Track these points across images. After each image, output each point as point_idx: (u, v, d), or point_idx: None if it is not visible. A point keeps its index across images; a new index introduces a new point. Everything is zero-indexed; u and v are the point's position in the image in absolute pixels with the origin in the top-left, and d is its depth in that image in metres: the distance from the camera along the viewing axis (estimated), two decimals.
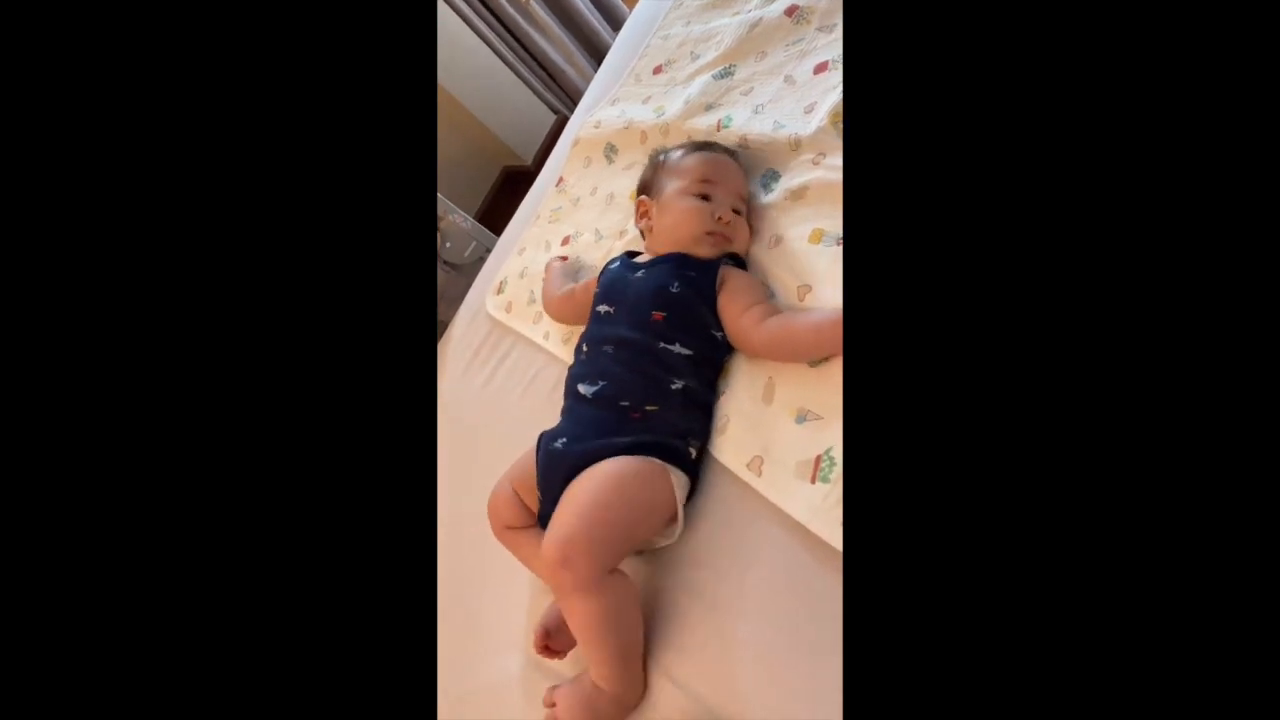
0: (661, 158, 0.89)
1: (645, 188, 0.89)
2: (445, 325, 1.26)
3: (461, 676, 0.85)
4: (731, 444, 0.72)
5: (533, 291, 1.09)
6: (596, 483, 0.66)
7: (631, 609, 0.65)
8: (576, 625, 0.64)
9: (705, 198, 0.81)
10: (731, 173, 0.84)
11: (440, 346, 1.24)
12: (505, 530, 0.81)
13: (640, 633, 0.66)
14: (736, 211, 0.81)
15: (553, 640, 0.72)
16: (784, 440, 0.68)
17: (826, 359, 0.68)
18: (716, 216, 0.79)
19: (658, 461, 0.68)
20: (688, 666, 0.65)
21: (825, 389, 0.67)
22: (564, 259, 1.06)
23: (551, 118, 2.29)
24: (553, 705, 0.66)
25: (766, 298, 0.76)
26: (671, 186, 0.83)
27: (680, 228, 0.80)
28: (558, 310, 0.98)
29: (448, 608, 0.89)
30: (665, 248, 0.82)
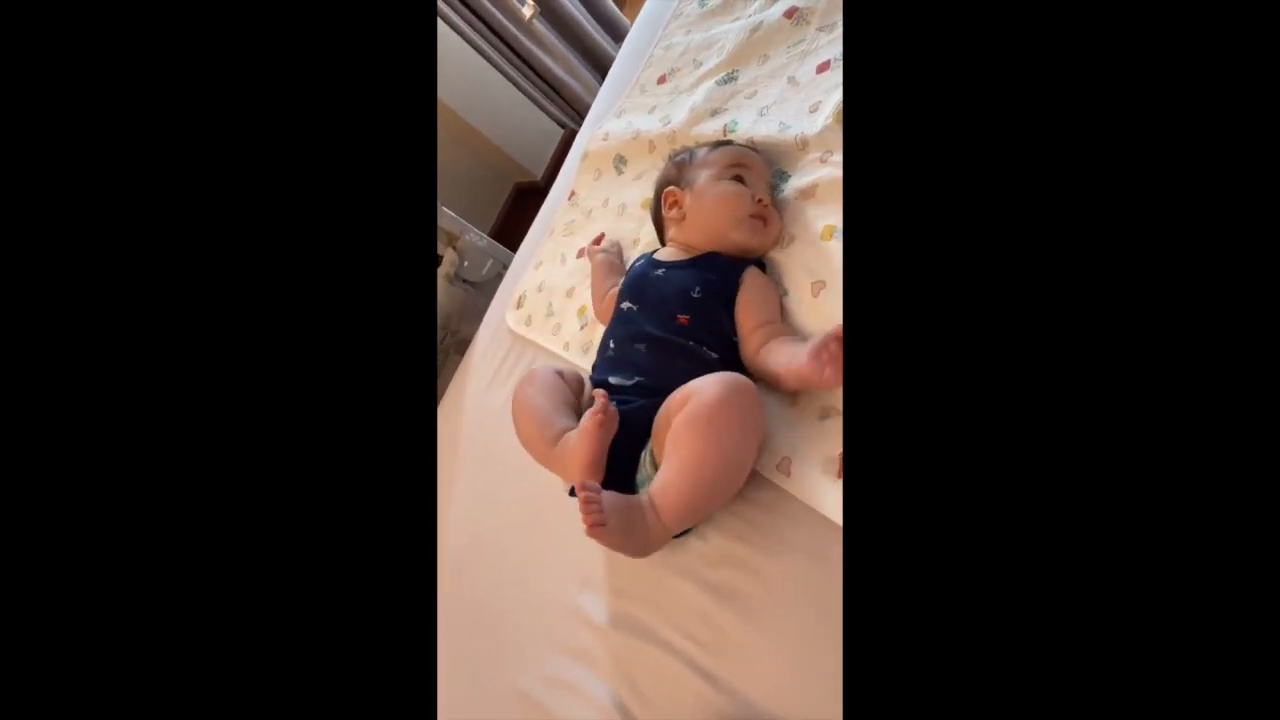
0: (684, 156, 0.89)
1: (670, 183, 0.88)
2: (467, 342, 1.28)
3: (476, 682, 0.87)
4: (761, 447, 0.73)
5: (550, 304, 1.11)
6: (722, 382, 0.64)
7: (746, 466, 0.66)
8: (693, 444, 0.62)
9: (739, 180, 0.82)
10: (759, 163, 0.85)
11: (463, 362, 1.26)
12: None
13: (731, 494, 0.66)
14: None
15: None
16: (810, 439, 0.68)
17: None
18: (756, 199, 0.80)
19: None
20: (725, 666, 0.66)
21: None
22: (598, 244, 1.04)
23: (559, 132, 2.31)
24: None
25: (777, 314, 0.76)
26: (704, 175, 0.84)
27: (720, 210, 0.80)
28: (604, 313, 0.95)
29: (469, 621, 0.91)
30: (699, 236, 0.82)
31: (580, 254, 1.11)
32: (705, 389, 0.63)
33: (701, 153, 0.87)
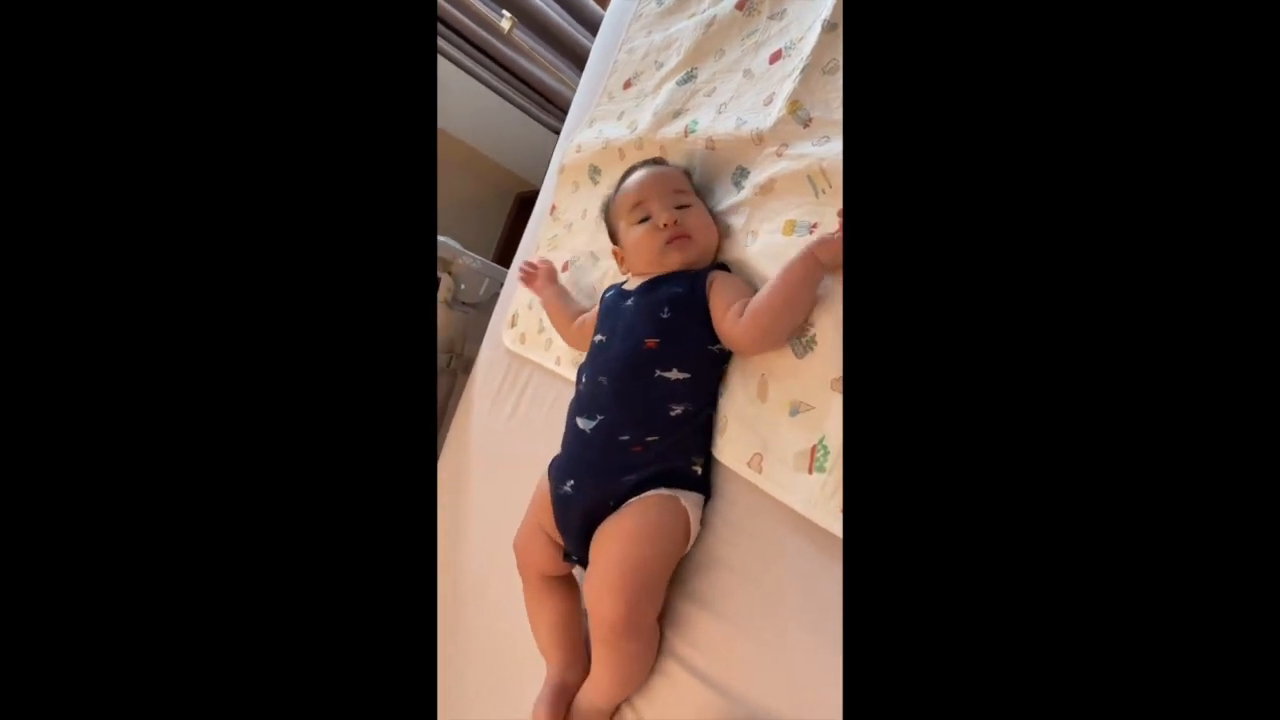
0: (602, 209, 0.95)
1: (612, 236, 0.94)
2: (471, 362, 1.32)
3: (506, 699, 0.90)
4: (731, 444, 0.74)
5: (541, 320, 1.13)
6: (623, 545, 0.69)
7: (655, 650, 0.72)
8: (615, 662, 0.69)
9: (646, 219, 0.84)
10: (653, 180, 0.87)
11: (468, 384, 1.30)
12: (541, 579, 0.84)
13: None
14: (681, 206, 0.84)
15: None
16: (781, 435, 0.69)
17: (811, 349, 0.69)
18: (662, 224, 0.82)
19: (666, 492, 0.71)
20: (723, 669, 0.67)
21: (815, 380, 0.68)
22: (534, 268, 1.09)
23: (554, 138, 2.33)
24: None
25: (748, 294, 0.76)
26: (621, 226, 0.88)
27: (643, 257, 0.85)
28: (575, 340, 1.00)
29: (482, 640, 0.94)
30: (651, 272, 0.85)
31: (525, 280, 1.13)
32: (599, 599, 0.68)
33: (614, 197, 0.91)
